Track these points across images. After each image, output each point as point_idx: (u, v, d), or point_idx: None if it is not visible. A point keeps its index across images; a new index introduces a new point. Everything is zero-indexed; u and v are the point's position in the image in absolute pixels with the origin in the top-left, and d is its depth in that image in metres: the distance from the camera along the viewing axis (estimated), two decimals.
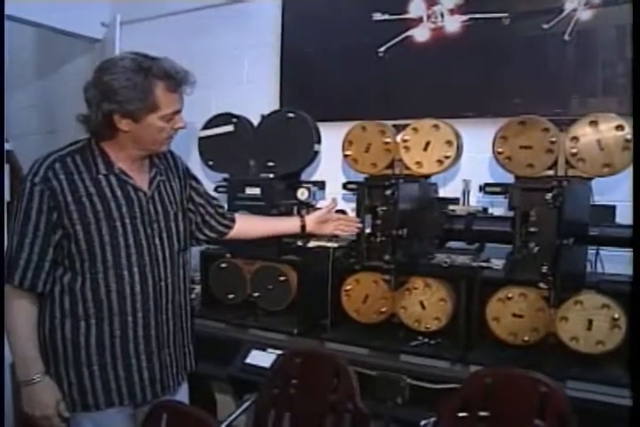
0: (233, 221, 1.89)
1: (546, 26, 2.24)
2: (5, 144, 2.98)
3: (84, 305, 1.54)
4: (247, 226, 1.93)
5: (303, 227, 1.96)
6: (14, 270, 1.51)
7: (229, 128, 2.54)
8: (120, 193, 1.56)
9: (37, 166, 1.51)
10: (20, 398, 1.57)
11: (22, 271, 1.50)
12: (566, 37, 2.21)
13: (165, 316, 1.64)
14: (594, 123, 1.87)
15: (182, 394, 1.79)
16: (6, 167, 3.03)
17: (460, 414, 1.66)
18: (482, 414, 1.65)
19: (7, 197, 2.97)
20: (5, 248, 1.54)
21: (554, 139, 1.91)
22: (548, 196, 1.86)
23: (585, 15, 2.18)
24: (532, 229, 1.94)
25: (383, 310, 2.16)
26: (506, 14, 2.32)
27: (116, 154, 1.57)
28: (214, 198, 1.88)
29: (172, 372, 1.68)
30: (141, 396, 1.61)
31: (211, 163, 2.63)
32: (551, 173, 1.95)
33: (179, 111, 1.55)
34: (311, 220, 1.97)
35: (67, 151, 1.56)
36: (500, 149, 1.99)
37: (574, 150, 1.89)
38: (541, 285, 1.91)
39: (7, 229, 1.58)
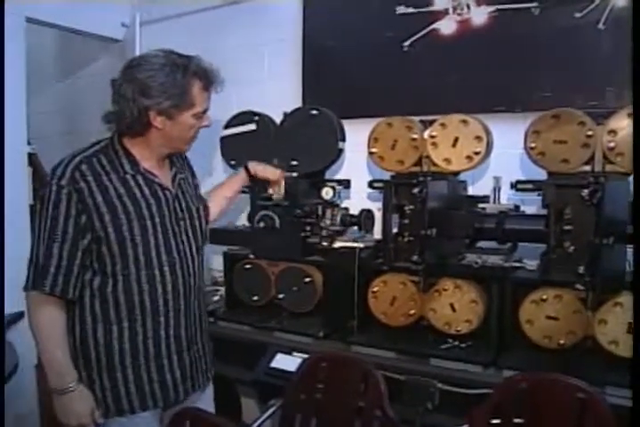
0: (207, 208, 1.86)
1: (578, 15, 2.15)
2: (28, 146, 2.99)
3: (116, 308, 1.53)
4: (212, 208, 1.88)
5: (248, 172, 1.95)
6: (45, 277, 1.47)
7: (251, 126, 2.50)
8: (148, 192, 1.56)
9: (63, 168, 1.48)
10: (44, 401, 1.55)
11: (53, 278, 1.48)
12: (600, 26, 2.11)
13: (193, 313, 1.66)
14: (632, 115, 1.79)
15: (209, 393, 1.80)
16: (29, 170, 3.03)
17: (493, 421, 1.61)
18: (516, 421, 1.59)
19: (30, 199, 2.98)
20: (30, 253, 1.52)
21: (590, 133, 1.83)
22: (585, 192, 1.79)
23: (620, 1, 2.07)
24: (568, 228, 1.86)
25: (411, 312, 2.10)
26: (535, 4, 2.23)
27: (141, 153, 1.57)
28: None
29: (202, 369, 1.70)
30: (174, 395, 1.62)
31: (233, 162, 2.59)
32: (587, 168, 1.87)
33: (207, 109, 1.58)
34: (253, 165, 1.97)
35: (91, 152, 1.54)
36: (532, 145, 1.92)
37: (612, 144, 1.81)
38: (578, 286, 1.83)
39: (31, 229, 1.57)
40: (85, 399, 1.52)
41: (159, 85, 1.46)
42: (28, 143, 3.01)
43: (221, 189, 1.96)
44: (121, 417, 1.56)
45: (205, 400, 1.76)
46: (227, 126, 2.57)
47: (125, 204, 1.51)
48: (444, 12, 2.43)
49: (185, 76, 1.49)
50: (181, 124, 1.53)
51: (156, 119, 1.50)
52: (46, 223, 1.47)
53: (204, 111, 1.58)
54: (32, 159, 3.08)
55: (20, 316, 2.68)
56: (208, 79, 1.54)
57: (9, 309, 2.64)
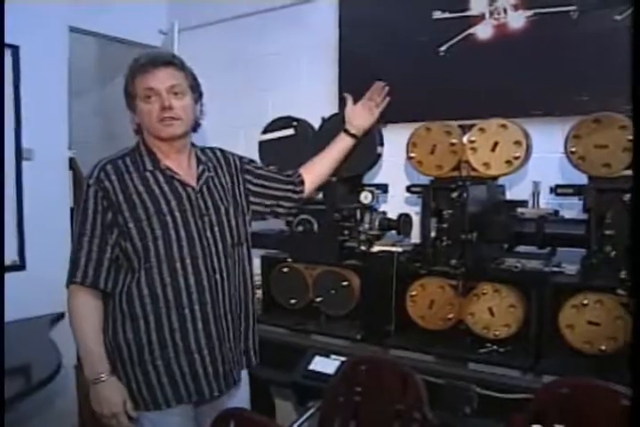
0: (302, 183, 1.98)
1: (618, 17, 2.13)
2: (68, 151, 3.07)
3: (141, 302, 1.59)
4: (313, 177, 2.02)
5: (352, 134, 2.10)
6: (77, 268, 1.58)
7: (290, 131, 2.52)
8: (167, 188, 1.63)
9: (92, 170, 1.62)
10: (83, 401, 1.60)
11: (84, 269, 1.57)
12: None
13: (224, 310, 1.66)
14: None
15: (244, 390, 1.83)
16: (69, 174, 3.11)
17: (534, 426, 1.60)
18: (557, 426, 1.58)
19: (71, 203, 3.05)
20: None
21: (632, 137, 1.81)
22: (627, 197, 1.77)
23: None
24: (609, 233, 1.84)
25: (450, 316, 2.09)
26: (574, 7, 2.22)
27: (160, 149, 1.66)
28: (276, 172, 1.98)
29: (235, 367, 1.71)
30: (208, 391, 1.64)
31: (272, 167, 2.61)
32: (629, 172, 1.85)
33: (151, 89, 1.60)
34: (348, 116, 2.15)
35: (119, 155, 1.66)
36: (573, 149, 1.90)
37: None
38: (619, 291, 1.81)
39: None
40: (117, 390, 1.58)
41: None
42: (69, 148, 3.08)
43: (324, 160, 2.09)
44: (152, 413, 1.60)
45: (242, 393, 1.80)
46: (265, 131, 2.59)
47: (144, 200, 1.59)
48: (481, 17, 2.42)
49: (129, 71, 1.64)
50: (141, 112, 1.63)
51: (133, 116, 1.68)
52: (78, 220, 1.59)
53: (149, 94, 1.60)
54: (71, 164, 3.16)
55: (60, 316, 2.74)
56: (137, 62, 1.62)
57: (51, 309, 2.71)
